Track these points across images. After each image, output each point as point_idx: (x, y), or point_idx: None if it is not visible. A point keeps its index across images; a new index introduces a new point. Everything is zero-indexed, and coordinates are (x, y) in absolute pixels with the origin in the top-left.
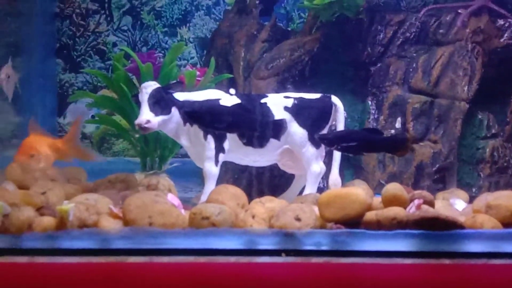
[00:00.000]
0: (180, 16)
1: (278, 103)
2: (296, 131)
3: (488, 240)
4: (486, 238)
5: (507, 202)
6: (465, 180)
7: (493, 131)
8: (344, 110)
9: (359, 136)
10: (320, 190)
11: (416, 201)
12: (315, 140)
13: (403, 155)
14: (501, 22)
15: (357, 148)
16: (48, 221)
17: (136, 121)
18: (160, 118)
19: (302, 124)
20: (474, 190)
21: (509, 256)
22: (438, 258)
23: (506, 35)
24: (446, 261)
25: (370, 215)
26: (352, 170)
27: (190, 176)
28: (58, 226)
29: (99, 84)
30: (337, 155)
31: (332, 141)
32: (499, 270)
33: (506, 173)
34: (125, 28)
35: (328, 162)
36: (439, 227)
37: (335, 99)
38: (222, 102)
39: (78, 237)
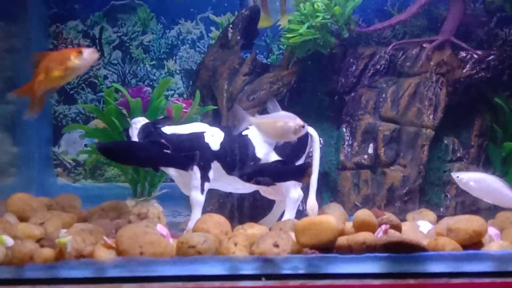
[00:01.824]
0: (167, 50)
1: (258, 135)
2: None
3: (449, 261)
4: (447, 259)
5: (466, 225)
6: (433, 201)
7: (458, 154)
8: (321, 137)
9: (270, 168)
10: (300, 213)
11: (383, 226)
12: None
13: (307, 181)
14: (463, 54)
15: (269, 179)
16: (48, 252)
17: None
18: None
19: (280, 154)
20: (442, 209)
21: (467, 275)
22: (404, 279)
23: (468, 66)
24: (411, 281)
25: (341, 240)
26: (329, 192)
27: (178, 200)
28: (57, 256)
29: (91, 115)
30: (313, 181)
31: (249, 176)
32: None
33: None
34: (115, 62)
35: (306, 187)
36: (404, 250)
37: (311, 129)
38: (206, 135)
39: (76, 267)
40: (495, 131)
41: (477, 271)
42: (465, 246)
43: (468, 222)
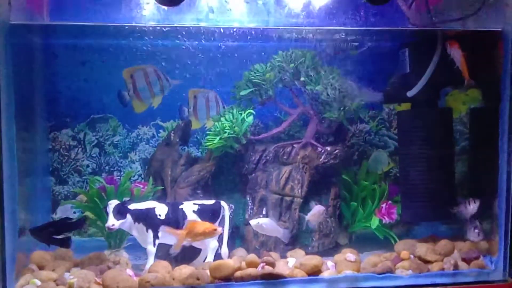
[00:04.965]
0: (130, 146)
1: (189, 208)
2: None
3: (299, 284)
4: (298, 282)
5: (309, 261)
6: (304, 243)
7: None
8: (233, 204)
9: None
10: (218, 255)
11: (261, 264)
12: None
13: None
14: (319, 149)
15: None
16: None
17: (106, 225)
18: (120, 221)
19: (203, 219)
20: (310, 248)
21: None
22: None
23: (323, 157)
24: None
25: (237, 273)
26: (239, 239)
27: (138, 248)
28: None
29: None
30: (225, 235)
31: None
32: None
33: (328, 237)
34: (94, 155)
35: (221, 239)
36: (273, 278)
37: (223, 203)
38: (156, 209)
39: None
40: (345, 195)
41: None
42: (309, 274)
43: (310, 260)
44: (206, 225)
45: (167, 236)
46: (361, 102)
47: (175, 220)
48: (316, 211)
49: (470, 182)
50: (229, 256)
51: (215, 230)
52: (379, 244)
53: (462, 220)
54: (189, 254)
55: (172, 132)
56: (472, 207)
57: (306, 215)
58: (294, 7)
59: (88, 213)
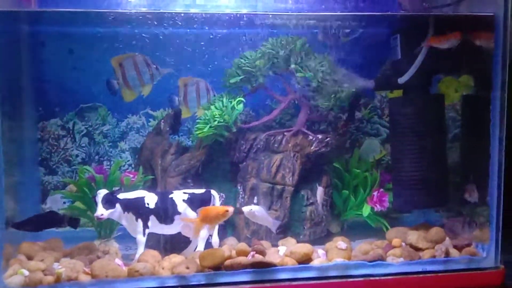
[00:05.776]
0: (119, 135)
1: (179, 197)
2: (189, 213)
3: (289, 272)
4: (288, 270)
5: (300, 250)
6: (296, 231)
7: (311, 201)
8: (223, 193)
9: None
10: (209, 244)
11: (252, 253)
12: None
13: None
14: (310, 137)
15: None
16: (50, 279)
17: (95, 214)
18: (109, 211)
19: (193, 209)
20: (301, 237)
21: (300, 279)
22: (263, 283)
23: (314, 145)
24: (267, 285)
25: (227, 262)
26: (231, 228)
27: (129, 238)
28: (56, 281)
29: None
30: (216, 225)
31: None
32: None
33: (320, 225)
34: (84, 145)
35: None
36: (263, 266)
37: (213, 192)
38: (145, 198)
39: (69, 287)
40: (336, 183)
41: (306, 277)
42: (300, 262)
43: (301, 248)
44: (218, 208)
45: (157, 225)
46: (352, 90)
47: (165, 209)
48: (320, 192)
49: (462, 169)
50: (220, 245)
51: (227, 211)
52: (371, 232)
53: (470, 204)
54: (179, 243)
55: (162, 121)
56: (476, 192)
57: (317, 201)
58: None
59: (68, 212)
